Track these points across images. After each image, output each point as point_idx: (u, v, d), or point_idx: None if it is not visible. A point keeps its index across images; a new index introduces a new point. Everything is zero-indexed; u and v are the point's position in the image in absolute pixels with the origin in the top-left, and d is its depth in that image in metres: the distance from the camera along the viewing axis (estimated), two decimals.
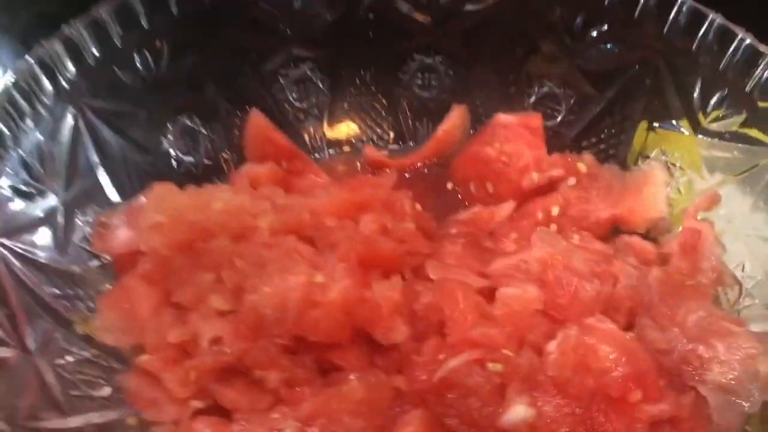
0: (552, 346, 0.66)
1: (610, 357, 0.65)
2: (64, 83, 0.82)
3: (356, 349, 0.72)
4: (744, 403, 0.66)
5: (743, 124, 0.84)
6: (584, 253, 0.77)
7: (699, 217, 0.86)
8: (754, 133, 0.83)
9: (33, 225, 0.76)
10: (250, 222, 0.81)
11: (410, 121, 1.09)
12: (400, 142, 1.08)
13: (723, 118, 0.87)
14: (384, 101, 1.07)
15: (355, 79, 1.06)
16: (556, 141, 1.02)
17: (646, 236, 0.90)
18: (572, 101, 1.01)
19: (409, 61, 1.05)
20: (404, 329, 0.71)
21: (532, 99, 1.04)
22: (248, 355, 0.71)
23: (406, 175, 1.04)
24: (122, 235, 0.83)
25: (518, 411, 0.62)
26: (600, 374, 0.64)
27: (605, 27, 0.94)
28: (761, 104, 0.82)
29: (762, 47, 0.82)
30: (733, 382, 0.67)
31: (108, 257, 0.83)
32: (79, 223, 0.82)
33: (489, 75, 1.05)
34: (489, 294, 0.73)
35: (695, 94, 0.88)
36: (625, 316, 0.73)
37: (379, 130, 1.08)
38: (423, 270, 0.82)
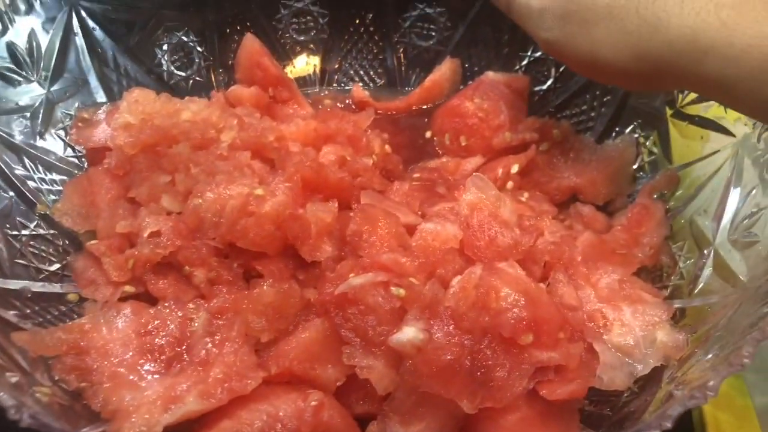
0: (455, 280, 0.69)
1: (510, 299, 0.66)
2: None
3: (281, 261, 0.76)
4: (637, 365, 0.68)
5: (714, 110, 0.84)
6: (518, 206, 0.78)
7: (654, 196, 0.86)
8: (720, 119, 0.82)
9: (14, 110, 0.83)
10: (213, 135, 0.85)
11: (403, 68, 1.11)
12: (390, 87, 1.11)
13: (696, 102, 0.86)
14: (380, 44, 1.10)
15: (355, 19, 1.09)
16: (540, 106, 1.03)
17: (603, 209, 0.91)
18: (561, 69, 1.02)
19: (411, 9, 1.08)
20: (328, 249, 0.75)
21: (525, 62, 1.05)
22: (181, 252, 0.76)
23: (388, 117, 1.07)
24: (99, 131, 0.89)
25: (408, 332, 0.64)
26: (496, 314, 0.66)
27: None
28: None
29: None
30: (630, 344, 0.69)
31: (82, 150, 0.89)
32: (60, 115, 0.88)
33: (486, 33, 1.06)
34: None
35: None
36: (541, 269, 0.74)
37: (371, 72, 1.11)
38: None
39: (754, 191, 0.75)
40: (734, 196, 0.77)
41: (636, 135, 0.93)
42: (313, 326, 0.69)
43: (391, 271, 0.69)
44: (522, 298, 0.67)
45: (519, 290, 0.67)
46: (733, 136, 0.81)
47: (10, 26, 0.81)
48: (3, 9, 0.80)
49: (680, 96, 0.88)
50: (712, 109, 0.84)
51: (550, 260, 0.74)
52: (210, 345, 0.66)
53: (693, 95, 0.87)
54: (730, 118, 0.82)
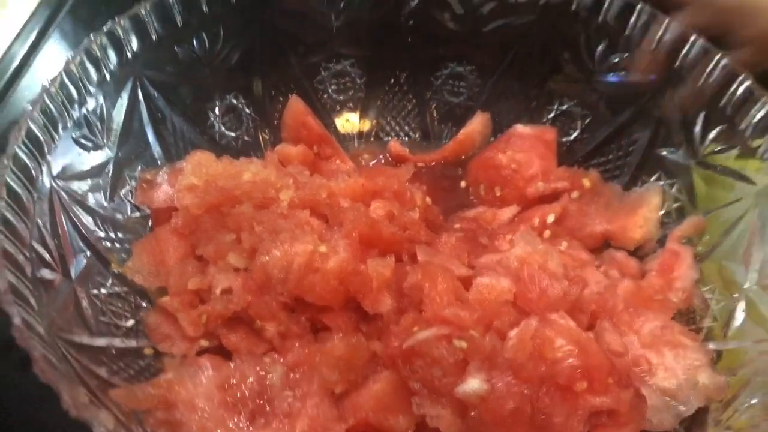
0: (513, 332, 0.75)
1: (564, 349, 0.73)
2: (128, 55, 0.93)
3: (345, 315, 0.82)
4: (681, 407, 0.74)
5: (735, 160, 0.90)
6: (561, 257, 0.85)
7: (683, 241, 0.92)
8: (742, 168, 0.89)
9: (87, 174, 0.88)
10: (273, 194, 0.92)
11: (436, 123, 1.18)
12: (424, 141, 1.18)
13: (719, 152, 0.93)
14: (414, 102, 1.17)
15: (390, 79, 1.16)
16: (568, 156, 1.09)
17: (634, 254, 0.97)
18: (587, 121, 1.08)
19: (442, 68, 1.15)
20: (389, 302, 0.81)
21: (551, 114, 1.12)
22: (252, 307, 0.81)
23: (424, 170, 1.13)
24: (162, 192, 0.95)
25: (473, 384, 0.70)
26: (552, 363, 0.72)
27: (624, 56, 1.01)
28: (752, 143, 0.88)
29: (759, 90, 0.87)
30: (674, 387, 0.74)
31: (147, 210, 0.95)
32: (127, 177, 0.95)
33: (514, 88, 1.13)
34: (470, 283, 0.82)
35: (697, 128, 0.94)
36: (588, 317, 0.80)
37: (406, 128, 1.18)
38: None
39: None
40: (760, 242, 0.84)
41: (662, 183, 1.00)
42: (384, 378, 0.75)
43: (453, 324, 0.75)
44: (575, 348, 0.73)
45: (571, 340, 0.74)
46: (755, 184, 0.87)
47: (87, 97, 0.87)
48: (78, 77, 0.86)
49: (702, 146, 0.95)
50: (734, 159, 0.91)
51: (596, 309, 0.80)
52: (291, 398, 0.72)
53: (715, 145, 0.93)
54: (751, 168, 0.89)
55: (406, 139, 1.18)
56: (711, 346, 0.81)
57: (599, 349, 0.75)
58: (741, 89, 0.89)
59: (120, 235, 0.91)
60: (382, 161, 1.15)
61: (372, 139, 1.18)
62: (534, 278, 0.79)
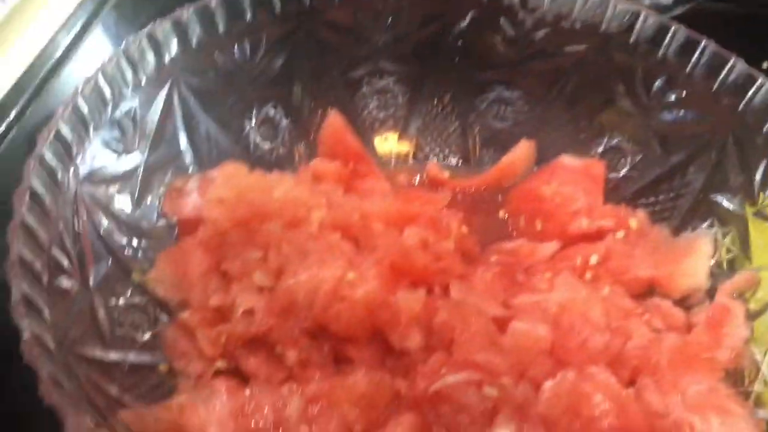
0: (548, 384, 0.70)
1: (602, 407, 0.68)
2: (167, 59, 0.91)
3: (371, 347, 0.78)
4: None
5: None
6: (604, 305, 0.79)
7: (734, 296, 0.86)
8: None
9: (115, 179, 0.86)
10: (304, 213, 0.88)
11: (478, 148, 1.13)
12: (465, 166, 1.13)
13: None
14: (457, 124, 1.12)
15: (433, 99, 1.12)
16: (615, 193, 1.04)
17: (680, 303, 0.91)
18: (638, 158, 1.03)
19: (488, 91, 1.10)
20: (418, 338, 0.76)
21: (600, 148, 1.06)
22: (274, 331, 0.78)
23: (463, 196, 1.08)
24: (190, 202, 0.92)
25: None
26: (588, 421, 0.67)
27: (683, 94, 0.95)
28: None
29: None
30: None
31: (174, 219, 0.92)
32: (155, 184, 0.92)
33: (562, 117, 1.08)
34: (505, 324, 0.77)
35: (758, 176, 0.88)
36: (629, 373, 0.75)
37: (446, 150, 1.13)
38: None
39: None
40: None
41: (714, 230, 0.94)
42: (406, 420, 0.70)
43: (484, 370, 0.70)
44: (613, 406, 0.68)
45: (610, 398, 0.69)
46: None
47: (121, 100, 0.85)
48: (114, 78, 0.83)
49: (762, 195, 0.89)
50: None
51: (638, 364, 0.75)
52: None
53: None
54: None
55: (446, 162, 1.13)
56: (760, 414, 0.75)
57: (639, 410, 0.70)
58: None
59: (144, 243, 0.88)
60: (420, 184, 1.10)
61: (410, 160, 1.13)
62: (574, 328, 0.74)
